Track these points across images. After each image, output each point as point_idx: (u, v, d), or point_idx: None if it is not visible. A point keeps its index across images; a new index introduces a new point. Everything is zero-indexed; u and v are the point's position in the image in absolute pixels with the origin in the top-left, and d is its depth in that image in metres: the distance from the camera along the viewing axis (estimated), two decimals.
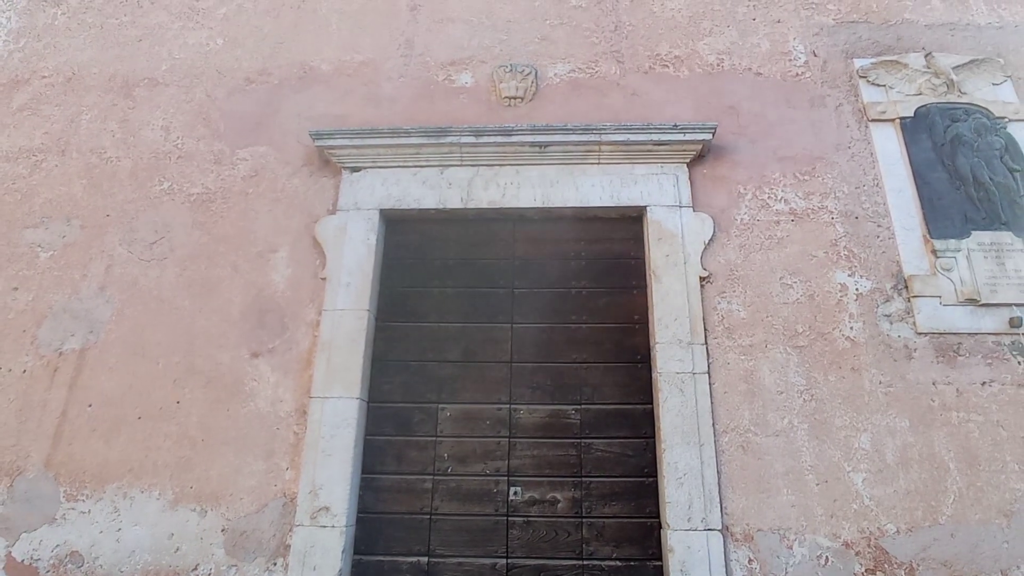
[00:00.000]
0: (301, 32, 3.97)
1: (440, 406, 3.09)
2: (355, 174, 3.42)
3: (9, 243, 3.54)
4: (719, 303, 3.13)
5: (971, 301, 3.14)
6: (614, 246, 3.32)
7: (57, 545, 2.89)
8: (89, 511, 2.93)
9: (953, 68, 3.72)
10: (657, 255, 3.16)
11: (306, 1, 4.07)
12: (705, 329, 3.06)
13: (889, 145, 3.56)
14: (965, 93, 3.69)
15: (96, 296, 3.36)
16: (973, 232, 3.31)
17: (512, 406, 3.06)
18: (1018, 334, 3.08)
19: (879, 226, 3.35)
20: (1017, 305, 3.13)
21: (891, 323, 3.12)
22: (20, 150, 3.81)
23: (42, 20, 4.23)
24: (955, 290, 3.18)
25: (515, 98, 3.56)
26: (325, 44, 3.91)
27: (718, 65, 3.74)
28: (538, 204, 3.29)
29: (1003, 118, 3.61)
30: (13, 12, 4.28)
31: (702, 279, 3.15)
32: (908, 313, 3.15)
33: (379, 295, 3.27)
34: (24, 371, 3.23)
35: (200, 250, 3.42)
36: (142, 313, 3.29)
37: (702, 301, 3.11)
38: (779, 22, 3.88)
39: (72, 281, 3.40)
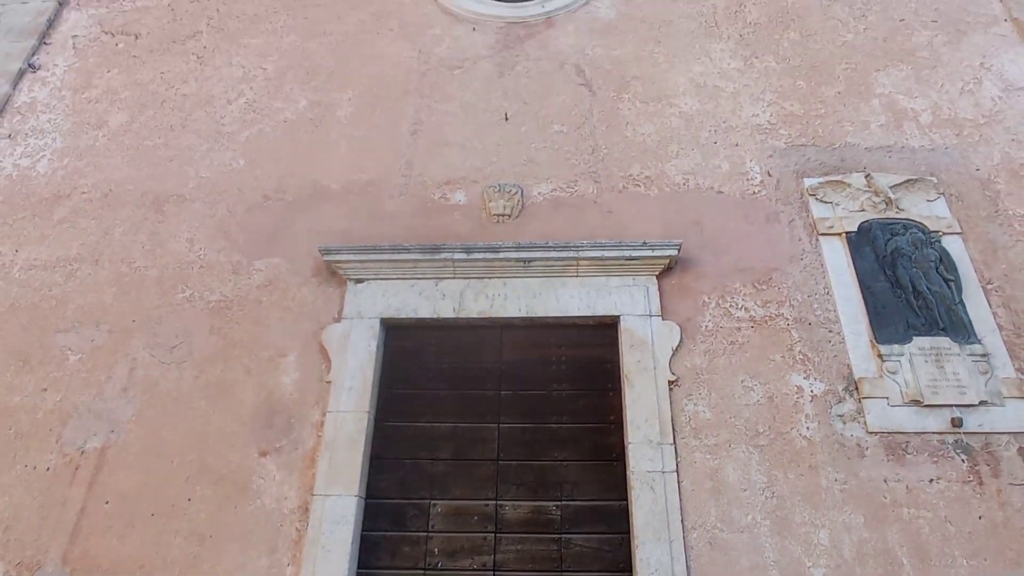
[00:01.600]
0: (314, 154, 4.48)
1: (432, 502, 3.35)
2: (359, 285, 3.82)
3: (42, 346, 3.89)
4: (687, 405, 3.45)
5: (915, 402, 3.46)
6: (591, 351, 3.68)
7: None
8: None
9: (891, 187, 4.19)
10: (630, 361, 3.51)
11: (319, 126, 4.61)
12: (674, 430, 3.36)
13: (837, 257, 3.98)
14: (903, 209, 4.14)
15: (119, 397, 3.67)
16: (915, 337, 3.66)
17: (498, 502, 3.31)
18: (959, 433, 3.38)
19: (830, 331, 3.71)
20: (957, 406, 3.44)
21: (844, 423, 3.43)
22: (58, 260, 4.22)
23: (85, 141, 4.75)
24: (901, 392, 3.50)
25: (503, 215, 4.01)
26: (335, 164, 4.40)
27: (684, 184, 4.22)
28: (523, 314, 3.67)
29: (937, 232, 4.04)
30: (59, 134, 4.81)
31: (671, 383, 3.48)
32: (859, 413, 3.46)
33: (378, 397, 3.59)
34: (48, 469, 3.50)
35: (216, 354, 3.76)
36: (161, 414, 3.60)
37: (671, 403, 3.42)
38: (737, 146, 4.39)
39: (98, 383, 3.73)
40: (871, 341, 3.66)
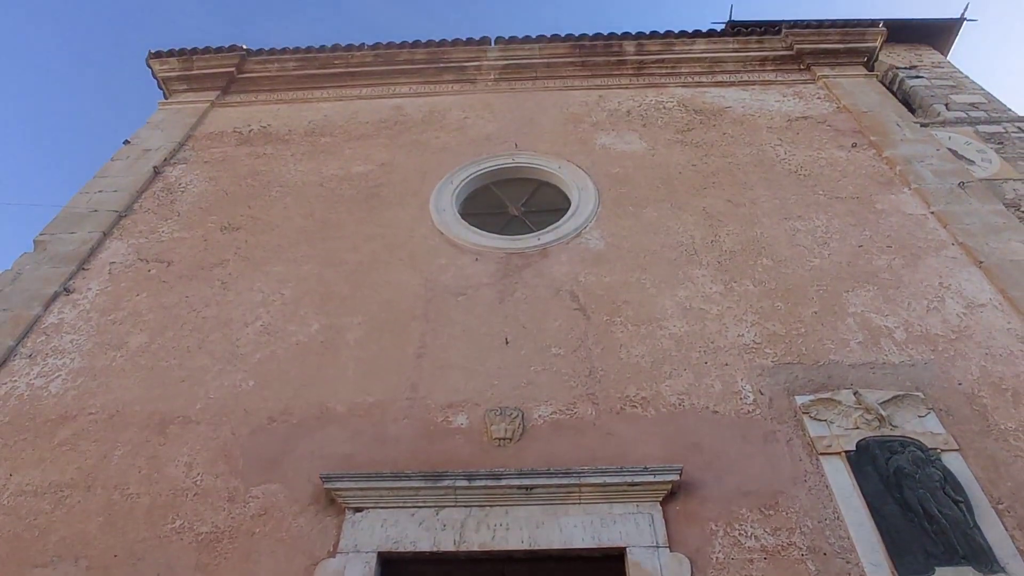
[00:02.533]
0: (322, 376, 4.65)
1: None
2: (357, 515, 3.72)
3: None
4: None
5: None
6: None
7: None
8: None
9: (880, 403, 4.31)
10: None
11: (329, 348, 4.85)
12: None
13: (841, 478, 3.95)
14: (896, 426, 4.21)
15: None
16: (937, 568, 3.50)
17: None
18: None
19: (848, 562, 3.55)
20: None
21: None
22: (50, 485, 4.14)
23: (102, 362, 4.95)
24: None
25: (504, 439, 4.06)
26: (342, 387, 4.55)
27: (679, 405, 4.34)
28: (525, 546, 3.54)
29: (935, 449, 4.06)
30: (78, 355, 5.03)
31: None
32: None
33: None
34: None
35: None
36: None
37: None
38: (727, 365, 4.61)
39: None
40: (892, 572, 3.49)
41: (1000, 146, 8.65)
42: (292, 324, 5.07)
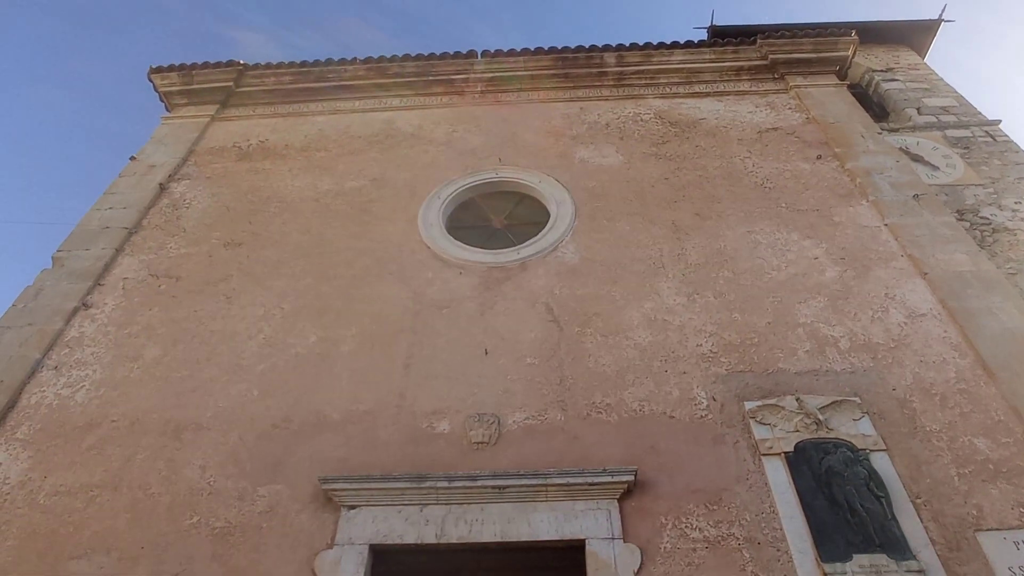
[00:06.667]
0: (319, 385, 5.16)
1: None
2: (352, 511, 4.26)
3: (54, 574, 4.20)
4: None
5: None
6: (561, 575, 4.01)
7: None
8: None
9: (819, 408, 4.81)
10: None
11: (325, 360, 5.36)
12: None
13: (779, 476, 4.48)
14: (832, 429, 4.72)
15: None
16: (854, 555, 4.02)
17: None
18: None
19: (778, 551, 4.08)
20: None
21: None
22: (81, 486, 4.68)
23: (121, 373, 5.46)
24: None
25: (482, 443, 4.59)
26: (336, 395, 5.07)
27: (640, 410, 4.84)
28: (498, 539, 4.08)
29: (864, 450, 4.57)
30: (99, 366, 5.53)
31: None
32: None
33: None
34: None
35: None
36: None
37: None
38: (685, 373, 5.11)
39: None
40: (816, 560, 4.02)
41: (966, 151, 9.03)
42: (291, 337, 5.56)
